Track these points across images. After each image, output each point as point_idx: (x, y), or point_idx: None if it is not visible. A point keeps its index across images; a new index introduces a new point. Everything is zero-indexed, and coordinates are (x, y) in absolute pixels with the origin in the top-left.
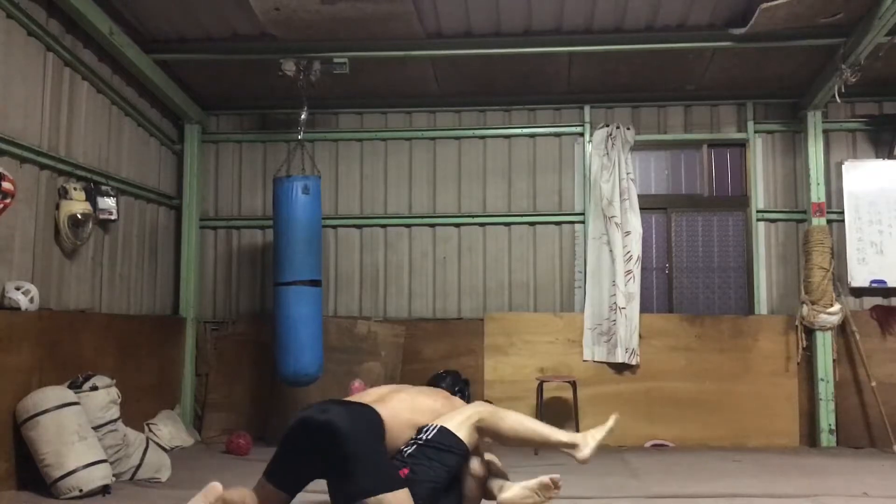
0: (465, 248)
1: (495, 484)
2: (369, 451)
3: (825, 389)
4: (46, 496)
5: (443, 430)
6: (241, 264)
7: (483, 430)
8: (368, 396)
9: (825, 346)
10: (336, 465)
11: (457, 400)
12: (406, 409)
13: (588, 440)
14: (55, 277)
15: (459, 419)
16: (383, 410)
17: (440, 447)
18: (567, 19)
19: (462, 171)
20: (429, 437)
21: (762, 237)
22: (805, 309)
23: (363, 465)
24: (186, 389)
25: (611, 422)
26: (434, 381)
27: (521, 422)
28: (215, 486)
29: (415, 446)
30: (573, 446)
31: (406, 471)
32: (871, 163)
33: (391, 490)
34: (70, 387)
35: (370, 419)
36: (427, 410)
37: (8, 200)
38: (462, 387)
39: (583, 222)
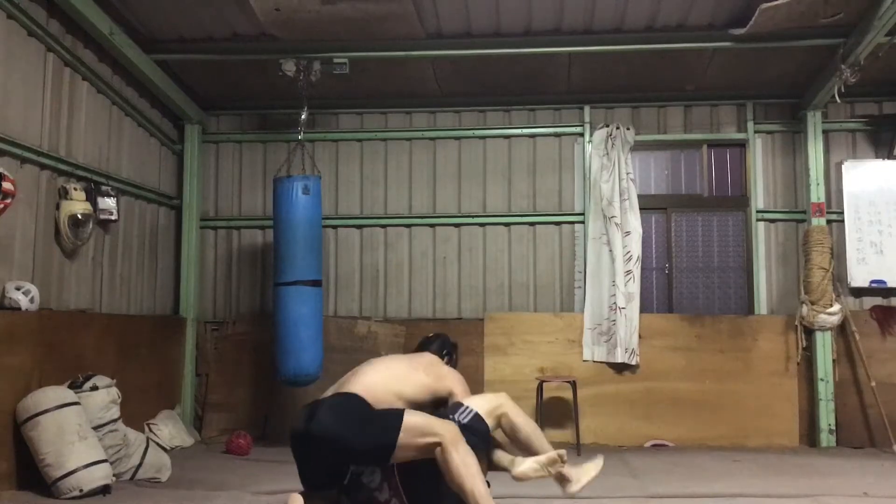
0: (465, 248)
1: (505, 458)
2: (359, 416)
3: (825, 389)
4: (47, 496)
5: (477, 416)
6: (241, 264)
7: (502, 424)
8: (334, 386)
9: (825, 346)
10: (349, 453)
11: (441, 367)
12: (377, 380)
13: (581, 478)
14: (55, 277)
15: (488, 407)
16: (357, 389)
17: (475, 432)
18: (567, 19)
19: (462, 171)
20: (464, 420)
21: (762, 237)
22: (805, 309)
23: (368, 435)
24: (186, 389)
25: (594, 470)
26: (422, 345)
27: (530, 425)
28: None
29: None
30: (562, 478)
31: None
32: (871, 163)
33: (399, 429)
34: (70, 387)
35: (350, 403)
36: (400, 377)
37: (8, 200)
38: (450, 350)
39: (583, 222)
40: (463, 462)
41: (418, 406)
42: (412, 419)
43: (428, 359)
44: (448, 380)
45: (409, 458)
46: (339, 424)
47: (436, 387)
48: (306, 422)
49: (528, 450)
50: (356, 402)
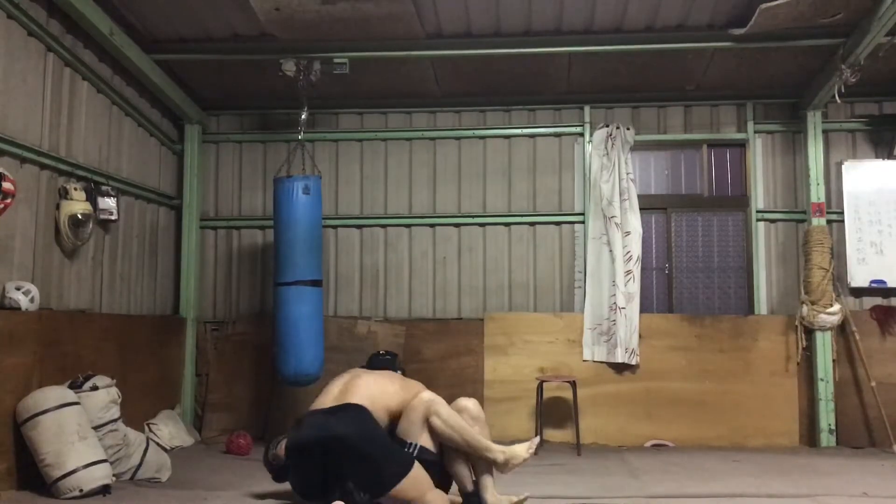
0: (465, 248)
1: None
2: (381, 444)
3: (825, 389)
4: (46, 496)
5: (423, 448)
6: (241, 264)
7: (431, 424)
8: (330, 395)
9: (825, 346)
10: (358, 467)
11: (411, 382)
12: (375, 393)
13: (510, 461)
14: (55, 277)
15: (420, 418)
16: (363, 402)
17: (429, 464)
18: (567, 19)
19: (462, 171)
20: (414, 454)
21: (762, 237)
22: (805, 309)
23: (381, 458)
24: (186, 389)
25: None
26: (381, 363)
27: (458, 423)
28: None
29: None
30: (497, 463)
31: None
32: (871, 163)
33: (408, 472)
34: (70, 387)
35: (365, 416)
36: (391, 393)
37: (8, 200)
38: (402, 368)
39: (583, 222)
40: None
41: (394, 417)
42: (419, 474)
43: (393, 374)
44: (416, 387)
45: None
46: (364, 433)
47: (408, 397)
48: (320, 429)
49: (461, 443)
50: (372, 420)
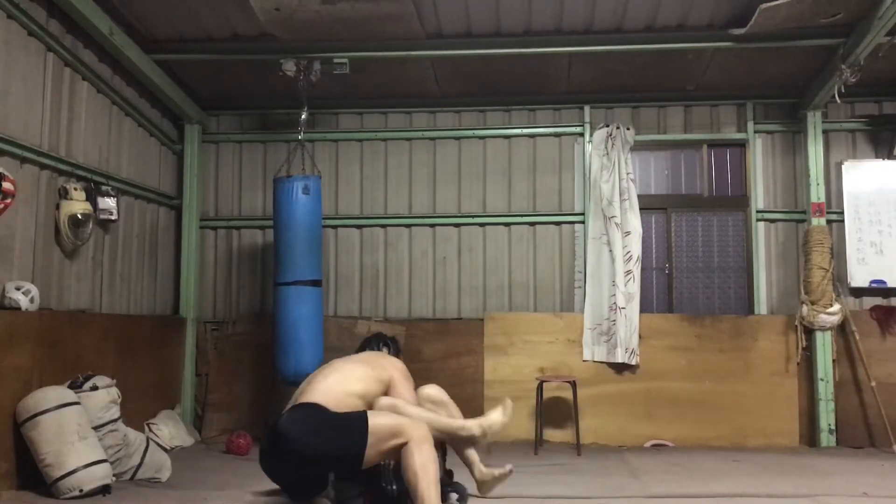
0: (465, 248)
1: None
2: (328, 432)
3: (825, 389)
4: (46, 496)
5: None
6: (241, 264)
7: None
8: (296, 396)
9: (825, 346)
10: (324, 463)
11: (383, 357)
12: (331, 384)
13: (488, 431)
14: (55, 277)
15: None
16: (316, 397)
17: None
18: (567, 20)
19: (462, 171)
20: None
21: (762, 237)
22: (805, 309)
23: (338, 444)
24: (186, 389)
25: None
26: (363, 345)
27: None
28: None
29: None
30: (475, 436)
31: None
32: (871, 163)
33: (366, 434)
34: (70, 387)
35: (308, 413)
36: (352, 378)
37: (8, 200)
38: (387, 341)
39: (583, 222)
40: (422, 466)
41: (371, 396)
42: (378, 422)
43: (368, 354)
44: (389, 369)
45: (380, 461)
46: (307, 436)
47: (379, 375)
48: (273, 443)
49: (435, 434)
50: (318, 412)
